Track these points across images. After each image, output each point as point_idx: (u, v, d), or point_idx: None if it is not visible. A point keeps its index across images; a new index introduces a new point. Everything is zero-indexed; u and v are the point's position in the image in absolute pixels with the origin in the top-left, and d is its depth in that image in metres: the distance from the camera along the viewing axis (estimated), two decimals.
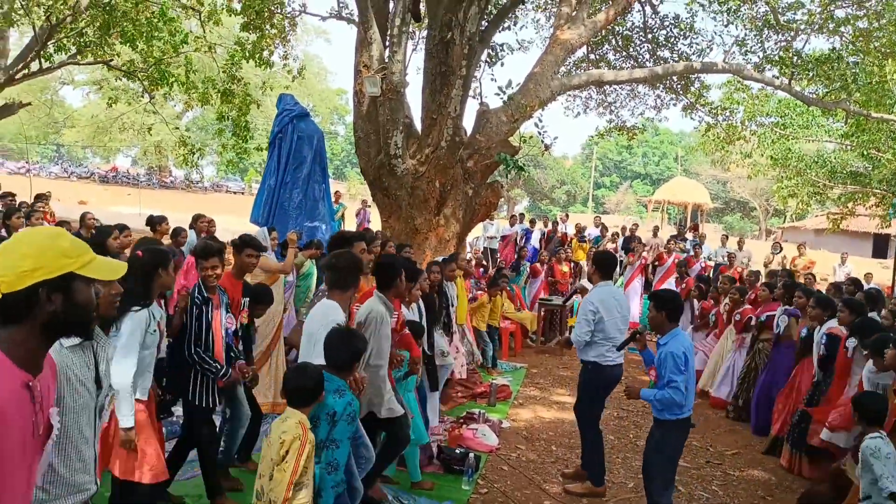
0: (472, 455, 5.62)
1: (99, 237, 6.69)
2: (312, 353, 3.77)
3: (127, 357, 3.48)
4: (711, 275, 13.21)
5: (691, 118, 15.36)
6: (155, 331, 3.66)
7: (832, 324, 6.27)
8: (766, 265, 15.67)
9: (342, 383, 3.39)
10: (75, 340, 2.18)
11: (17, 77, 13.56)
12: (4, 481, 1.62)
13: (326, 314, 3.83)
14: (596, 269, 5.69)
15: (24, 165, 41.12)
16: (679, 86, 14.45)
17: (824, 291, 8.97)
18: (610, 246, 15.20)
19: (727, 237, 17.79)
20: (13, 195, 11.57)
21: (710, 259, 15.59)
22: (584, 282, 6.43)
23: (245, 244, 4.99)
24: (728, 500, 5.77)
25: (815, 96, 13.26)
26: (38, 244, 1.73)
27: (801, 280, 11.53)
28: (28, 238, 1.77)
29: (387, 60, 9.93)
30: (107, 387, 2.35)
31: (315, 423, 3.30)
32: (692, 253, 14.78)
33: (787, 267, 15.28)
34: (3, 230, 7.51)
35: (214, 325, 4.32)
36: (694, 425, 4.59)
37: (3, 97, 16.95)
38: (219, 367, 4.24)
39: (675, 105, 15.58)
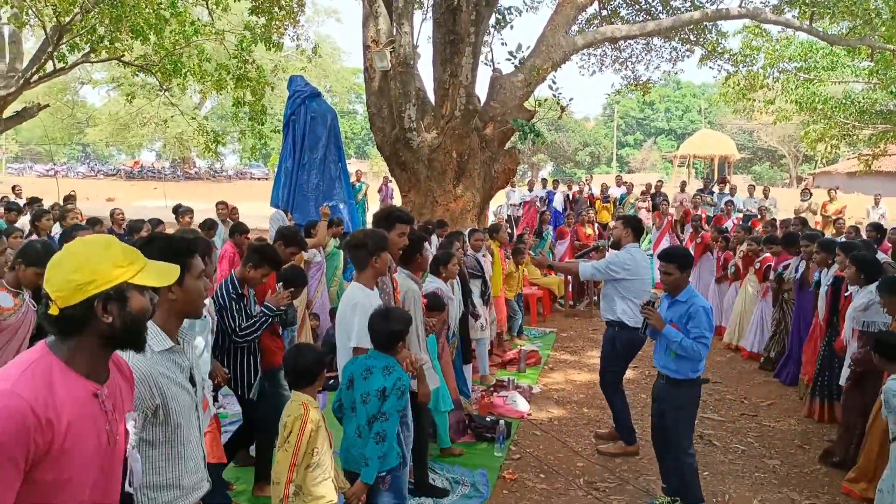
0: (502, 422, 5.64)
1: (130, 232, 6.82)
2: (344, 336, 3.79)
3: (196, 347, 3.52)
4: (742, 225, 12.97)
5: (710, 68, 15.00)
6: (205, 317, 3.69)
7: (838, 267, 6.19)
8: (796, 213, 15.37)
9: (390, 360, 3.43)
10: (165, 344, 2.17)
11: (32, 80, 13.70)
12: (80, 489, 1.65)
13: (351, 297, 3.84)
14: (627, 229, 5.62)
15: (52, 167, 41.81)
16: (695, 36, 14.11)
17: (853, 235, 8.81)
18: (641, 205, 14.92)
19: (754, 187, 17.47)
20: (39, 200, 11.75)
21: (739, 211, 15.33)
22: (602, 242, 6.36)
23: (291, 242, 5.15)
24: (764, 451, 5.72)
25: (837, 35, 12.86)
26: (89, 255, 1.69)
27: (832, 226, 11.31)
28: (79, 249, 1.72)
29: (394, 34, 9.84)
30: (200, 381, 2.35)
31: (365, 399, 3.35)
32: (722, 207, 14.52)
33: (819, 213, 15.00)
34: (33, 234, 7.63)
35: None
36: (707, 381, 4.55)
37: (23, 101, 17.19)
38: (273, 309, 4.34)
39: (690, 56, 15.24)
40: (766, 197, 15.44)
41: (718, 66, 15.07)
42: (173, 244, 2.25)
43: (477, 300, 7.03)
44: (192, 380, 2.27)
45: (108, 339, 1.71)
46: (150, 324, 2.16)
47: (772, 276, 8.00)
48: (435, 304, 5.24)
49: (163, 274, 1.80)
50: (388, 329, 3.45)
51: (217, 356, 4.24)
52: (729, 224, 13.28)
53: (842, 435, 5.36)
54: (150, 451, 2.09)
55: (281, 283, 4.99)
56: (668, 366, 4.39)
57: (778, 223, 11.22)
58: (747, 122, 44.77)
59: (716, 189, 17.32)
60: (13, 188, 14.74)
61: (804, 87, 18.25)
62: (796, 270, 7.41)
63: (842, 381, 5.47)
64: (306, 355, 3.28)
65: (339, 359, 3.85)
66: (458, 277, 6.10)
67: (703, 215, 13.31)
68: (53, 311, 1.66)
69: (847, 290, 5.81)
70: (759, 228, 11.00)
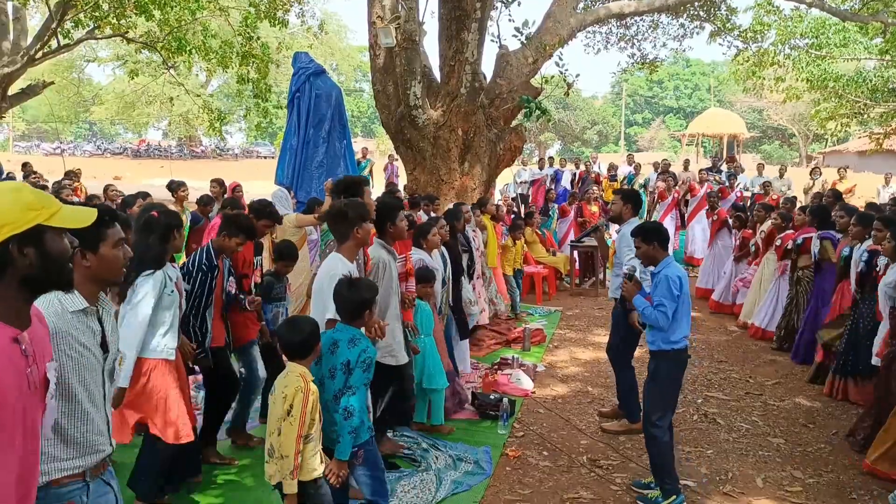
0: (506, 400, 5.64)
1: (124, 207, 6.81)
2: (320, 307, 3.78)
3: (136, 318, 3.55)
4: (748, 204, 12.90)
5: (719, 45, 14.77)
6: (173, 291, 3.71)
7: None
8: (805, 192, 15.26)
9: (356, 332, 3.40)
10: (79, 305, 2.20)
11: (37, 57, 13.64)
12: (4, 431, 1.64)
13: (330, 268, 3.81)
14: (627, 204, 5.59)
15: (59, 146, 41.84)
16: (704, 12, 13.91)
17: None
18: (661, 185, 14.76)
19: (763, 166, 17.33)
20: (38, 174, 11.75)
21: (745, 189, 15.22)
22: (601, 222, 6.30)
23: (261, 214, 5.09)
24: (769, 429, 5.71)
25: (850, 10, 12.65)
26: (1, 201, 1.70)
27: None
28: None
29: (400, 10, 9.73)
30: (114, 351, 2.37)
31: (332, 374, 3.33)
32: (727, 184, 14.42)
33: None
34: None
35: (216, 291, 4.46)
36: (688, 356, 4.45)
37: (28, 78, 17.12)
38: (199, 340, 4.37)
39: (699, 33, 15.03)
40: (782, 176, 15.30)
41: (728, 42, 14.88)
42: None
43: (466, 286, 6.97)
44: (104, 346, 2.29)
45: (30, 281, 1.73)
46: None
47: (790, 245, 7.92)
48: (424, 275, 5.21)
49: (77, 217, 1.80)
50: (353, 298, 3.40)
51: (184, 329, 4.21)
52: (733, 197, 13.23)
53: (868, 413, 5.31)
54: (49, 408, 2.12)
55: (260, 258, 5.03)
56: (648, 336, 4.44)
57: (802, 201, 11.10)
58: (757, 100, 44.35)
59: (724, 167, 17.19)
60: (23, 166, 14.69)
61: (815, 64, 18.01)
62: (814, 248, 7.34)
63: (874, 361, 5.42)
64: (302, 327, 3.26)
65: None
66: (446, 251, 6.06)
67: (709, 190, 13.22)
68: None
69: (877, 265, 5.74)
70: (761, 203, 10.92)
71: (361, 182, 4.66)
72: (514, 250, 9.44)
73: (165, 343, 3.70)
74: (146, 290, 3.58)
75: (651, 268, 4.47)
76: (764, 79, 18.06)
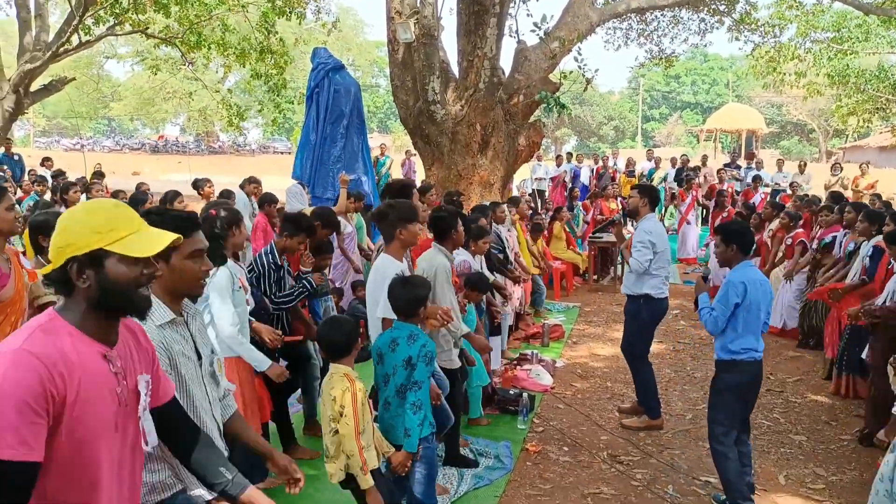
0: (525, 395, 5.64)
1: (133, 205, 6.85)
2: (374, 307, 3.81)
3: (223, 313, 3.52)
4: (771, 201, 12.79)
5: (737, 39, 14.61)
6: (239, 288, 3.70)
7: (881, 238, 6.05)
8: (826, 188, 15.10)
9: (414, 328, 3.44)
10: (166, 318, 2.19)
11: (59, 54, 13.76)
12: (98, 447, 1.68)
13: (381, 270, 3.84)
14: (644, 198, 5.56)
15: (79, 141, 42.21)
16: (724, 6, 13.78)
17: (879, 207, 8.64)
18: (696, 181, 14.59)
19: (783, 162, 17.16)
20: (64, 173, 11.87)
21: (767, 186, 15.10)
22: (616, 217, 6.25)
23: (326, 223, 5.28)
24: (790, 426, 5.68)
25: (872, 3, 12.49)
26: (73, 220, 1.71)
27: (866, 200, 11.08)
28: (68, 213, 1.75)
29: (418, 5, 9.73)
30: (207, 354, 2.37)
31: (395, 370, 3.38)
32: (749, 182, 14.29)
33: (850, 188, 14.70)
34: (62, 207, 7.72)
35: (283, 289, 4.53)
36: (757, 371, 4.15)
37: (49, 74, 17.29)
38: (298, 287, 4.48)
39: (718, 28, 14.88)
40: (802, 172, 15.15)
41: (745, 37, 14.73)
42: (168, 220, 2.18)
43: (498, 277, 6.98)
44: (197, 352, 2.30)
45: (95, 304, 1.71)
46: (152, 298, 2.18)
47: (815, 245, 7.85)
48: (479, 283, 5.18)
49: (147, 244, 1.74)
50: (407, 295, 3.45)
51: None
52: (756, 199, 13.11)
53: (871, 410, 5.28)
54: None
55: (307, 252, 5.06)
56: (714, 343, 4.25)
57: (823, 198, 10.98)
58: (776, 95, 43.91)
59: (742, 164, 17.05)
60: (43, 161, 14.84)
61: (837, 58, 17.80)
62: (840, 246, 7.28)
63: (863, 355, 5.39)
64: (342, 327, 3.26)
65: (371, 332, 3.87)
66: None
67: (731, 190, 13.13)
68: (45, 270, 1.71)
69: (890, 263, 5.69)
70: (789, 204, 10.81)
71: (410, 185, 4.68)
72: (535, 249, 9.41)
73: (241, 339, 3.69)
74: (217, 287, 3.53)
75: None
76: (784, 74, 17.88)
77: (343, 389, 3.09)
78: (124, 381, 1.77)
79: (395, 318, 3.55)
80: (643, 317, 5.55)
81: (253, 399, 3.92)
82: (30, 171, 13.28)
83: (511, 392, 5.85)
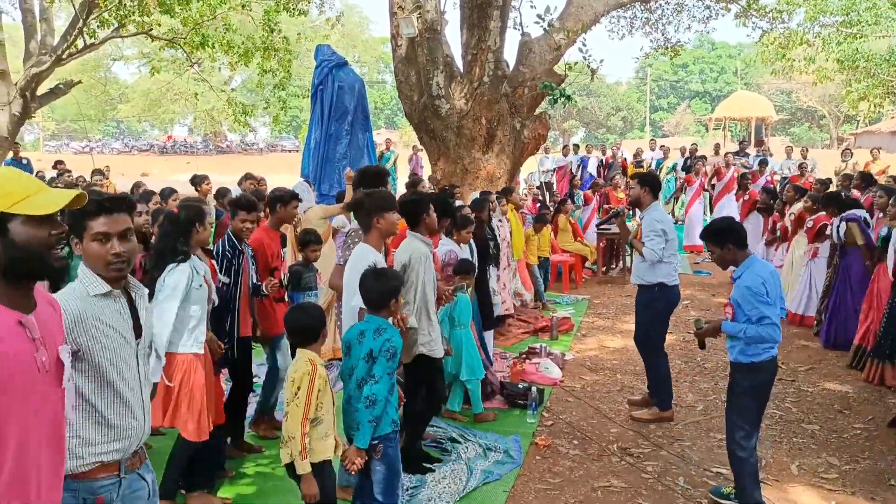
0: (534, 388, 5.61)
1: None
2: (350, 297, 3.78)
3: (164, 312, 3.55)
4: (779, 187, 12.70)
5: (744, 26, 14.45)
6: (201, 285, 3.71)
7: None
8: (836, 173, 14.96)
9: (382, 322, 3.40)
10: (101, 290, 2.17)
11: (64, 57, 13.81)
12: (10, 414, 1.65)
13: (360, 258, 3.82)
14: (644, 188, 5.52)
15: (88, 144, 42.41)
16: None
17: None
18: (704, 168, 14.48)
19: (791, 149, 17.02)
20: (63, 162, 11.89)
21: (774, 173, 14.98)
22: (620, 207, 6.17)
23: (284, 199, 5.09)
24: (803, 416, 5.62)
25: None
26: None
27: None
28: None
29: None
30: (148, 334, 2.36)
31: (357, 363, 3.33)
32: (756, 168, 14.19)
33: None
34: None
35: (244, 276, 4.48)
36: (776, 367, 3.92)
37: (56, 78, 17.35)
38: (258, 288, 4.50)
39: (724, 15, 14.72)
40: (805, 158, 15.03)
41: (753, 23, 14.58)
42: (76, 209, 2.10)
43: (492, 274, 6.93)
44: (137, 330, 2.27)
45: (5, 270, 1.68)
46: (83, 268, 2.19)
47: (830, 232, 7.77)
48: (464, 268, 5.18)
49: (47, 202, 1.71)
50: (380, 287, 3.41)
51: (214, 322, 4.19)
52: (761, 181, 13.02)
53: None
54: (81, 390, 2.13)
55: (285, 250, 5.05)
56: (727, 344, 4.01)
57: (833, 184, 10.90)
58: (786, 82, 43.55)
59: (752, 151, 16.92)
60: (55, 164, 14.87)
61: (847, 43, 17.58)
62: (838, 231, 7.20)
63: None
64: (309, 312, 3.26)
65: (344, 323, 3.84)
66: (473, 241, 6.03)
67: (737, 174, 13.04)
68: None
69: None
70: (795, 184, 10.73)
71: (382, 172, 4.64)
72: (539, 239, 9.36)
73: (195, 338, 3.71)
74: (172, 284, 3.59)
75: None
76: (793, 60, 17.70)
77: (304, 373, 3.07)
78: (43, 348, 1.74)
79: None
80: (657, 306, 5.50)
81: (215, 395, 3.98)
82: (37, 173, 13.33)
83: (520, 386, 5.82)
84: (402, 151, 23.24)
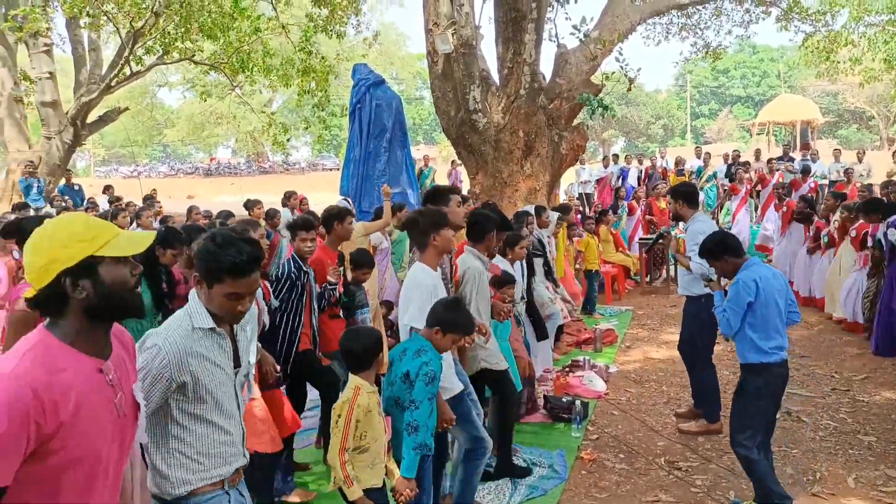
0: (578, 402, 5.55)
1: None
2: (405, 317, 3.75)
3: None
4: (826, 192, 12.37)
5: (786, 30, 14.18)
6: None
7: None
8: (888, 175, 14.54)
9: (425, 343, 3.33)
10: (206, 324, 2.23)
11: (112, 85, 14.27)
12: (96, 460, 1.70)
13: (414, 278, 3.80)
14: (678, 201, 5.43)
15: (136, 168, 43.60)
16: None
17: None
18: (745, 176, 14.21)
19: (840, 152, 16.59)
20: (120, 199, 12.25)
21: (824, 177, 14.61)
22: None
23: (340, 216, 5.14)
24: (859, 427, 5.44)
25: None
26: (48, 236, 1.70)
27: None
28: (40, 232, 1.73)
29: (455, 15, 9.76)
30: (246, 364, 2.40)
31: (394, 383, 3.32)
32: (799, 176, 13.87)
33: None
34: None
35: (307, 297, 4.52)
36: (784, 372, 4.01)
37: (105, 106, 17.93)
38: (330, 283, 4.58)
39: (765, 18, 14.48)
40: (860, 161, 14.60)
41: (795, 26, 14.31)
42: (216, 261, 2.23)
43: (541, 280, 6.90)
44: (237, 361, 2.32)
45: (93, 313, 1.72)
46: (195, 300, 2.25)
47: (870, 242, 7.57)
48: (504, 279, 5.16)
49: (133, 243, 1.77)
50: (455, 318, 3.35)
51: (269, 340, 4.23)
52: (804, 189, 12.71)
53: None
54: (186, 421, 2.21)
55: (340, 267, 5.08)
56: (736, 346, 4.15)
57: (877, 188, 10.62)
58: (831, 83, 42.59)
59: (797, 156, 16.54)
60: (105, 189, 15.29)
61: (894, 41, 17.11)
62: (886, 237, 6.99)
63: None
64: (361, 338, 3.19)
65: (402, 338, 3.84)
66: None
67: (780, 178, 12.75)
68: (29, 294, 1.70)
69: None
70: (845, 191, 10.44)
71: (446, 191, 4.62)
72: (593, 248, 9.34)
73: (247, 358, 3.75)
74: None
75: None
76: (838, 62, 17.30)
77: (344, 401, 3.04)
78: (121, 392, 1.78)
79: (420, 328, 3.47)
80: (704, 316, 5.38)
81: (279, 405, 4.01)
82: (89, 199, 13.73)
83: (564, 399, 5.76)
84: (440, 167, 23.35)
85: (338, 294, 4.76)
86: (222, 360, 2.27)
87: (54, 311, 1.71)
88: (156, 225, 9.03)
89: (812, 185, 12.89)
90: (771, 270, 4.06)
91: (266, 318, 4.06)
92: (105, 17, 12.91)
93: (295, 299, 4.46)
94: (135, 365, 1.96)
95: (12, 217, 8.09)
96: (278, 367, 4.08)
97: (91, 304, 1.71)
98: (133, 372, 1.92)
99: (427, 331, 3.39)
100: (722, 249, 4.09)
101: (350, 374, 3.18)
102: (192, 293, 2.29)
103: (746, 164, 14.83)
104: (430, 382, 3.21)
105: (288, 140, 17.02)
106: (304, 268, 4.55)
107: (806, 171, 13.35)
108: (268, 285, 4.32)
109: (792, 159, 16.11)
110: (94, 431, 1.68)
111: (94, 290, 1.70)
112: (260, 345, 3.95)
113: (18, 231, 3.46)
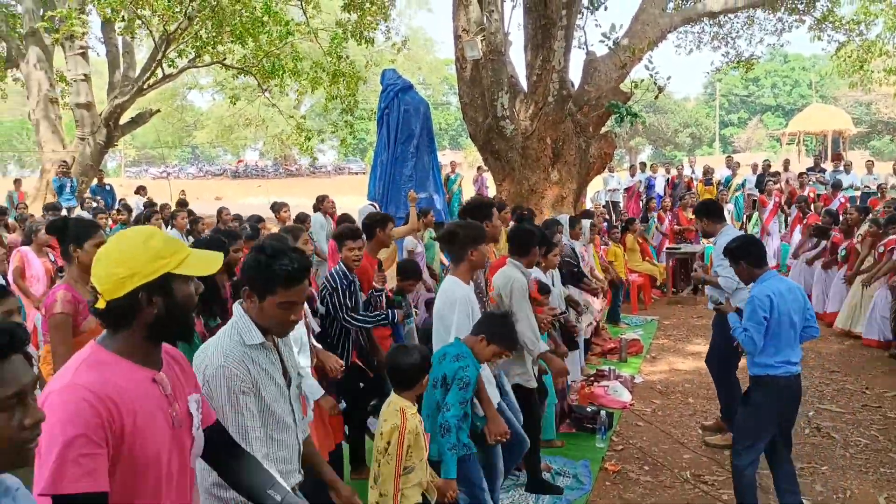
0: (603, 412, 5.51)
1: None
2: (442, 332, 3.73)
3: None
4: (857, 205, 12.16)
5: (819, 39, 13.99)
6: None
7: None
8: None
9: (465, 349, 3.37)
10: (256, 339, 2.22)
11: (145, 87, 14.49)
12: (157, 469, 1.72)
13: (448, 292, 3.77)
14: (703, 219, 5.37)
15: (165, 169, 44.20)
16: (803, 5, 13.26)
17: None
18: (774, 187, 14.09)
19: (872, 163, 16.31)
20: (154, 203, 12.43)
21: (856, 189, 14.37)
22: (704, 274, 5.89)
23: (383, 222, 5.18)
24: (890, 444, 5.33)
25: None
26: (130, 248, 1.71)
27: None
28: (121, 243, 1.75)
29: (485, 22, 9.78)
30: (295, 377, 2.39)
31: (434, 384, 3.32)
32: (829, 191, 13.66)
33: None
34: None
35: (356, 304, 4.53)
36: (790, 387, 3.91)
37: (137, 108, 18.21)
38: (382, 314, 4.52)
39: (798, 27, 14.31)
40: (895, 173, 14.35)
41: (829, 36, 14.13)
42: (269, 271, 2.23)
43: (573, 290, 6.89)
44: (285, 375, 2.32)
45: (156, 329, 1.74)
46: (241, 315, 2.24)
47: None
48: (541, 288, 5.13)
49: (206, 263, 1.79)
50: (508, 334, 3.42)
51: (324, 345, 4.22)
52: (835, 204, 12.50)
53: None
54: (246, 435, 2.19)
55: (386, 274, 5.09)
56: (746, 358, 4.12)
57: None
58: (865, 93, 41.96)
59: (829, 167, 16.30)
60: (137, 189, 15.47)
61: None
62: None
63: None
64: (409, 357, 3.12)
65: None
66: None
67: (812, 195, 12.56)
68: (100, 304, 1.70)
69: None
70: (879, 208, 10.24)
71: (489, 204, 4.63)
72: (620, 258, 9.27)
73: (300, 363, 3.75)
74: None
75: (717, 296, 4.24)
76: (872, 71, 17.03)
77: (392, 426, 2.98)
78: (175, 403, 1.80)
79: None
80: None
81: (324, 421, 3.94)
82: (120, 200, 13.93)
83: (588, 409, 5.72)
84: (466, 172, 23.37)
85: (384, 299, 4.77)
86: (276, 374, 2.27)
87: (121, 324, 1.72)
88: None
89: (842, 200, 12.68)
90: (787, 284, 3.98)
91: (314, 324, 4.06)
92: (139, 21, 13.13)
93: (344, 309, 4.47)
94: (189, 377, 1.96)
95: (42, 220, 8.27)
96: (341, 361, 4.04)
97: (158, 321, 1.73)
98: (188, 384, 1.92)
99: (472, 338, 3.43)
100: (743, 254, 4.02)
101: (393, 392, 3.14)
102: (238, 308, 2.28)
103: (776, 174, 14.64)
104: (463, 388, 3.26)
105: (322, 141, 17.17)
106: (350, 276, 4.54)
107: (837, 186, 13.13)
108: (312, 291, 4.34)
109: (823, 170, 15.88)
110: (153, 439, 1.70)
111: (164, 307, 1.72)
112: (319, 345, 3.97)
113: (63, 229, 3.47)
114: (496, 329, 3.40)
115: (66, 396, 1.58)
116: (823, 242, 9.67)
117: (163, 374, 1.78)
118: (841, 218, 9.59)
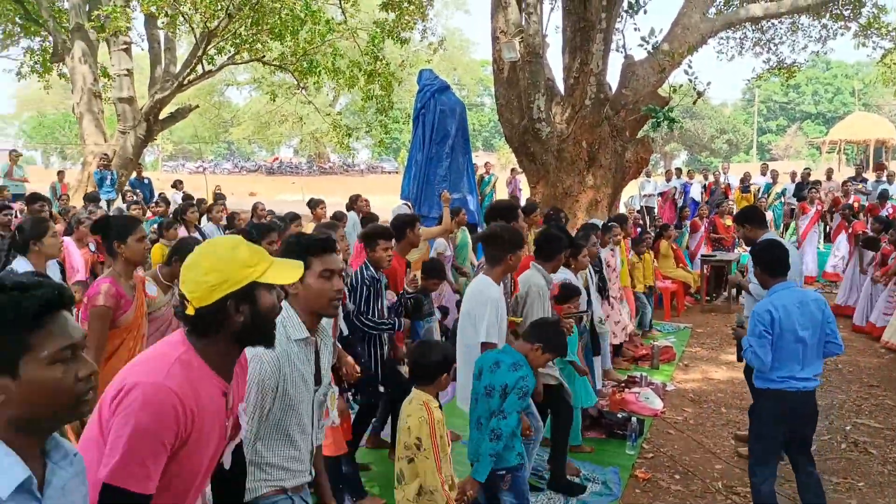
0: (634, 419, 5.46)
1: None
2: (471, 330, 3.74)
3: None
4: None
5: (864, 46, 13.70)
6: None
7: None
8: None
9: (520, 357, 3.39)
10: (301, 334, 2.26)
11: (185, 83, 14.72)
12: (199, 475, 1.77)
13: (481, 291, 3.79)
14: (743, 226, 5.28)
15: (201, 165, 44.83)
16: (848, 11, 13.00)
17: None
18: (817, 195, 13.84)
19: None
20: (191, 197, 12.63)
21: None
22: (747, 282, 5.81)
23: (412, 222, 5.19)
24: None
25: None
26: (219, 257, 1.75)
27: None
28: (211, 251, 1.79)
29: (523, 24, 9.75)
30: (326, 383, 2.42)
31: (488, 392, 3.33)
32: (876, 200, 13.37)
33: None
34: (181, 227, 8.16)
35: (380, 304, 4.54)
36: (794, 402, 3.78)
37: (176, 103, 18.50)
38: (389, 322, 4.50)
39: (843, 34, 14.03)
40: None
41: (874, 42, 13.84)
42: (300, 244, 2.31)
43: (594, 294, 6.80)
44: (318, 378, 2.33)
45: (240, 337, 1.76)
46: (288, 310, 2.26)
47: None
48: (568, 293, 5.10)
49: (289, 271, 1.83)
50: (557, 339, 3.46)
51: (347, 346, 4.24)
52: (883, 214, 12.23)
53: None
54: (265, 431, 2.22)
55: (417, 274, 5.09)
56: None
57: None
58: None
59: (871, 177, 15.96)
60: (175, 183, 15.72)
61: None
62: None
63: None
64: (432, 353, 3.17)
65: (458, 353, 3.82)
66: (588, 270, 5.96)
67: (857, 203, 12.29)
68: (190, 311, 1.74)
69: None
70: None
71: (515, 207, 4.64)
72: (643, 266, 9.11)
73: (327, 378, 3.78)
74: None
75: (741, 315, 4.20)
76: None
77: (419, 419, 2.98)
78: (232, 416, 1.84)
79: (496, 342, 3.50)
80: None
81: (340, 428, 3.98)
82: (159, 194, 14.16)
83: (619, 415, 5.67)
84: (499, 174, 23.33)
85: (415, 275, 4.78)
86: (308, 374, 2.29)
87: (210, 332, 1.75)
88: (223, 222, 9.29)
89: (890, 210, 12.39)
90: (800, 298, 3.79)
91: (343, 325, 4.10)
92: (182, 17, 13.35)
93: (369, 308, 4.48)
94: (244, 382, 1.99)
95: (85, 212, 8.44)
96: (358, 368, 4.04)
97: (244, 328, 1.76)
98: (241, 387, 1.96)
99: (526, 345, 3.46)
100: (762, 260, 3.91)
101: (414, 388, 3.16)
102: (284, 303, 2.29)
103: (818, 183, 14.38)
104: (522, 396, 3.30)
105: (357, 139, 17.31)
106: (377, 275, 4.53)
107: (883, 197, 12.84)
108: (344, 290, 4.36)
109: (865, 180, 15.55)
110: (204, 449, 1.74)
111: (250, 315, 1.75)
112: (340, 346, 4.00)
113: (106, 228, 3.57)
114: (552, 338, 3.46)
115: (154, 395, 1.61)
116: (871, 253, 9.47)
117: (231, 385, 1.82)
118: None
